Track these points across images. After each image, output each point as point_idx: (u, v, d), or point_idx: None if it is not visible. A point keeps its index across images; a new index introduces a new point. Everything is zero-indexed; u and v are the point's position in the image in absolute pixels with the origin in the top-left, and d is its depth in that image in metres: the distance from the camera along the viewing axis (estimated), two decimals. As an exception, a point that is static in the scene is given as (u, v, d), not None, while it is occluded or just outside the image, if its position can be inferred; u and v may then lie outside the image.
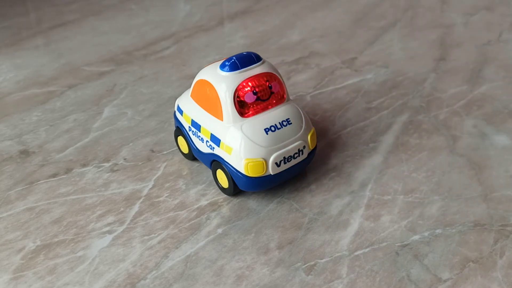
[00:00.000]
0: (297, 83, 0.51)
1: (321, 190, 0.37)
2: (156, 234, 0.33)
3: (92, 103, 0.48)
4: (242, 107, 0.33)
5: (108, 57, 0.57)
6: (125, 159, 0.40)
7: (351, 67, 0.54)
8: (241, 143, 0.33)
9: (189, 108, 0.37)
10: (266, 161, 0.33)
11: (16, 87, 0.51)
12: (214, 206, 0.35)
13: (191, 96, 0.37)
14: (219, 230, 0.33)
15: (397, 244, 0.32)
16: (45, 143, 0.43)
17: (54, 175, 0.39)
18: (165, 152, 0.41)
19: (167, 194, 0.37)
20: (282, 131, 0.34)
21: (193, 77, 0.37)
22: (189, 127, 0.37)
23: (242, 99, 0.33)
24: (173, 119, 0.45)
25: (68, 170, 0.39)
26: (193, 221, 0.34)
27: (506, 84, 0.50)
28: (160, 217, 0.35)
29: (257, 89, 0.34)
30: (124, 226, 0.34)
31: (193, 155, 0.38)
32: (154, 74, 0.53)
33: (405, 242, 0.32)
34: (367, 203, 0.35)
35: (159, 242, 0.33)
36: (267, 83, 0.34)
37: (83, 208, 0.36)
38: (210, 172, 0.38)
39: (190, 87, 0.37)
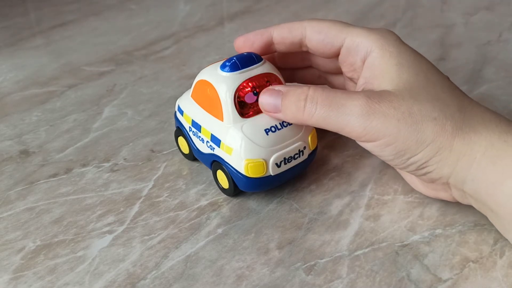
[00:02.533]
0: (297, 83, 0.51)
1: (321, 190, 0.37)
2: (156, 234, 0.33)
3: (92, 103, 0.48)
4: (242, 108, 0.33)
5: (108, 57, 0.57)
6: (125, 159, 0.40)
7: (351, 67, 0.54)
8: (242, 144, 0.33)
9: (189, 109, 0.37)
10: (267, 162, 0.33)
11: (16, 87, 0.52)
12: (214, 206, 0.35)
13: (191, 96, 0.37)
14: (219, 230, 0.33)
15: (397, 244, 0.32)
16: (45, 143, 0.43)
17: (54, 175, 0.39)
18: (165, 152, 0.41)
19: (167, 194, 0.37)
20: (282, 132, 0.34)
21: (193, 77, 0.37)
22: (190, 127, 0.37)
23: (242, 99, 0.33)
24: (173, 119, 0.45)
25: (68, 170, 0.39)
26: (193, 221, 0.34)
27: (506, 84, 0.50)
28: (160, 217, 0.35)
29: (257, 90, 0.34)
30: (124, 226, 0.34)
31: (194, 155, 0.38)
32: (154, 74, 0.54)
33: (405, 242, 0.32)
34: (367, 203, 0.35)
35: (159, 242, 0.33)
36: (268, 84, 0.34)
37: (83, 208, 0.36)
38: (210, 172, 0.38)
39: (190, 87, 0.37)
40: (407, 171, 0.32)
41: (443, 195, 0.33)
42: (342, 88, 0.40)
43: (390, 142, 0.30)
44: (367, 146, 0.32)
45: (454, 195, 0.32)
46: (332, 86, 0.41)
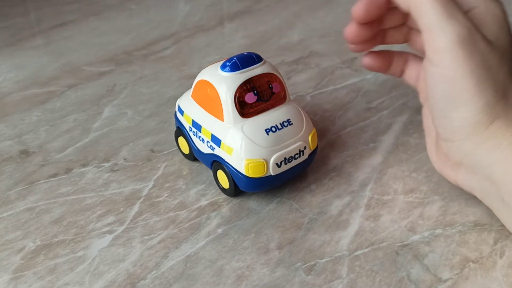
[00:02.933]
0: (297, 83, 0.51)
1: (321, 190, 0.37)
2: (156, 234, 0.33)
3: (92, 103, 0.48)
4: (242, 108, 0.33)
5: (108, 57, 0.57)
6: (125, 159, 0.40)
7: (351, 67, 0.54)
8: (242, 144, 0.33)
9: (190, 109, 0.37)
10: (267, 162, 0.33)
11: (16, 87, 0.52)
12: (214, 206, 0.35)
13: (191, 96, 0.37)
14: (219, 230, 0.33)
15: (397, 244, 0.32)
16: (45, 143, 0.43)
17: (54, 175, 0.39)
18: (165, 152, 0.41)
19: (167, 194, 0.37)
20: (283, 132, 0.34)
21: (193, 77, 0.37)
22: (190, 127, 0.37)
23: (242, 99, 0.33)
24: (173, 119, 0.45)
25: (68, 170, 0.39)
26: (193, 221, 0.34)
27: (506, 84, 0.50)
28: (160, 217, 0.35)
29: (258, 90, 0.34)
30: (124, 226, 0.34)
31: (194, 155, 0.38)
32: (154, 74, 0.54)
33: (405, 242, 0.32)
34: (367, 203, 0.35)
35: (159, 242, 0.33)
36: (268, 84, 0.34)
37: (83, 208, 0.36)
38: (210, 172, 0.38)
39: (190, 87, 0.37)
40: (435, 124, 0.32)
41: (449, 173, 0.33)
42: None
43: (454, 79, 0.29)
44: (431, 68, 0.30)
45: (459, 178, 0.32)
46: (417, 43, 0.39)
